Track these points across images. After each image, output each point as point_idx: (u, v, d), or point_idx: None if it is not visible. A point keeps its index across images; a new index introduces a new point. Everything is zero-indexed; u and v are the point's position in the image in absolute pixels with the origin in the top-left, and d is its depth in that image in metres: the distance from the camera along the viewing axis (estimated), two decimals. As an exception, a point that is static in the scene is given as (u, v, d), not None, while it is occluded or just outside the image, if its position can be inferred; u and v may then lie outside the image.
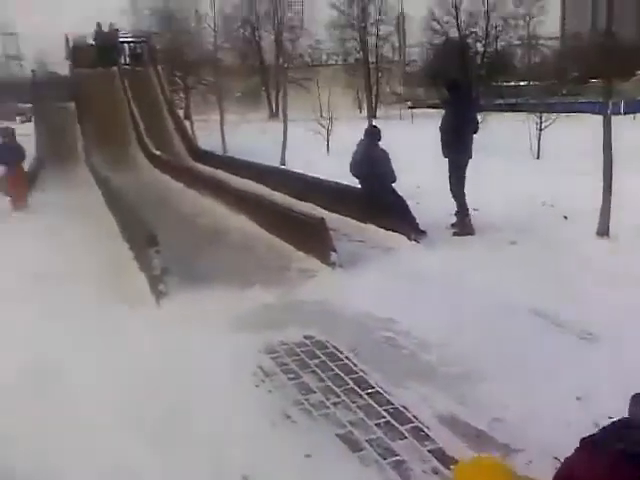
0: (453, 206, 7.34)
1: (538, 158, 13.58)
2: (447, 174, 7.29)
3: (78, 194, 11.22)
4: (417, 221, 6.95)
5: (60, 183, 13.03)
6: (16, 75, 58.72)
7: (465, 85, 8.09)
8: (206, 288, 5.26)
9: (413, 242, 6.65)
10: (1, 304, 5.01)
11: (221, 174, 12.68)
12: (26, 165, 12.73)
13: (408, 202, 7.16)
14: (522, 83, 24.78)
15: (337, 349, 4.09)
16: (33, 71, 23.94)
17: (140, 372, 3.74)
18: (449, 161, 7.29)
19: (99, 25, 22.49)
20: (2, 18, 65.60)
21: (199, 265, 6.20)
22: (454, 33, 43.23)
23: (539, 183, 9.28)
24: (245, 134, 22.84)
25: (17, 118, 45.50)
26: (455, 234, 7.08)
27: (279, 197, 9.22)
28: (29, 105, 24.69)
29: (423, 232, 6.96)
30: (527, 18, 41.18)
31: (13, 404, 3.42)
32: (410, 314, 4.50)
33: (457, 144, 7.12)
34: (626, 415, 1.86)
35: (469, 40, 43.73)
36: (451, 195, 7.28)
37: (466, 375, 3.53)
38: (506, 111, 24.18)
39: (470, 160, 7.28)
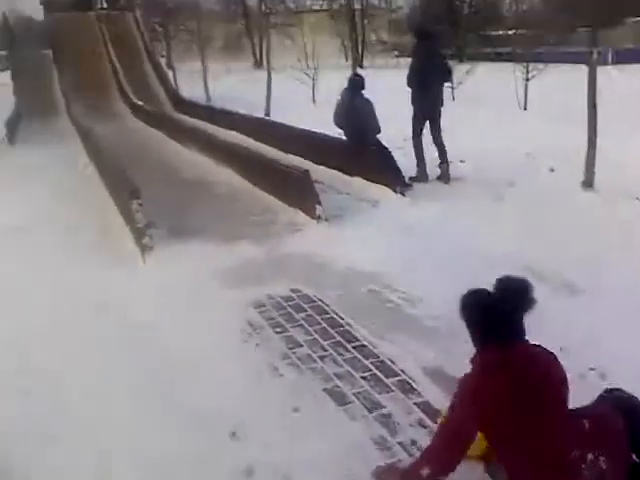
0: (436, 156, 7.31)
1: (525, 109, 13.47)
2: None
3: (59, 146, 10.96)
4: (402, 174, 6.91)
5: (40, 135, 12.71)
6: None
7: (433, 34, 7.96)
8: (192, 242, 5.24)
9: (399, 195, 6.61)
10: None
11: (205, 125, 12.45)
12: (2, 116, 12.53)
13: (394, 153, 7.10)
14: (510, 32, 24.35)
15: (323, 302, 4.12)
16: (4, 15, 22.86)
17: (124, 330, 3.75)
18: (415, 110, 7.27)
19: (74, -33, 21.55)
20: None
21: (184, 218, 6.15)
22: (441, -20, 42.08)
23: (525, 134, 9.24)
24: (229, 84, 22.33)
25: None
26: (411, 179, 7.09)
27: (264, 149, 9.09)
28: (4, 53, 23.81)
29: (409, 185, 6.94)
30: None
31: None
32: (395, 268, 4.53)
33: (426, 93, 7.07)
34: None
35: (457, -13, 42.64)
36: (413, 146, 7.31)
37: (451, 329, 3.58)
38: (494, 61, 23.86)
39: (442, 109, 7.25)
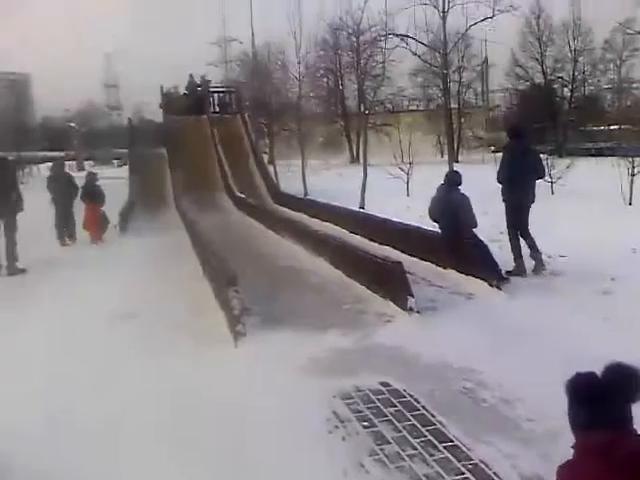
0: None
1: (630, 204, 12.88)
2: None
3: (166, 235, 11.72)
4: (499, 267, 6.74)
5: (149, 224, 13.67)
6: (115, 124, 63.20)
7: (524, 131, 8.01)
8: (283, 329, 5.30)
9: (495, 289, 6.42)
10: (92, 344, 5.25)
11: (301, 217, 12.91)
12: (118, 207, 13.64)
13: (490, 246, 6.97)
14: (613, 127, 23.88)
15: (414, 398, 3.95)
16: (130, 119, 25.66)
17: (213, 413, 3.76)
18: (505, 204, 7.29)
19: (191, 76, 23.87)
20: (104, 73, 71.18)
21: (277, 305, 6.26)
22: (539, 78, 42.51)
23: (630, 230, 8.77)
24: (326, 178, 23.21)
25: (114, 162, 48.71)
26: (508, 273, 6.93)
27: (358, 240, 9.23)
28: (125, 150, 26.31)
29: (506, 278, 6.73)
30: (618, 62, 39.93)
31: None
32: (491, 365, 4.31)
33: (515, 188, 7.10)
34: None
35: (555, 85, 42.83)
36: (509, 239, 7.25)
37: (549, 432, 3.30)
38: (595, 156, 23.29)
39: (537, 203, 7.22)
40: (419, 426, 3.56)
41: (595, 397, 1.96)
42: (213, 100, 23.87)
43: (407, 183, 17.65)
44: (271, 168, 21.96)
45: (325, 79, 46.67)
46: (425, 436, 3.44)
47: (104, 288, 7.25)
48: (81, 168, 46.08)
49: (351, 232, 10.38)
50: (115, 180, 18.13)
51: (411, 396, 3.99)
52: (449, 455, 3.21)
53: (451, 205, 7.06)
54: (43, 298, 6.90)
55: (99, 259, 9.55)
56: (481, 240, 6.99)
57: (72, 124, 53.70)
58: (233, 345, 5.12)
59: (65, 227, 11.47)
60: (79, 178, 12.95)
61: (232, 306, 5.39)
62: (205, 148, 20.41)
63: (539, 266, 7.12)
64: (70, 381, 4.37)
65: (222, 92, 24.99)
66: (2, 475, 3.21)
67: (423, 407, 3.81)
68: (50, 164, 14.16)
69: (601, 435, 1.89)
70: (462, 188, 7.25)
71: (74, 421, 3.77)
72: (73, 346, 5.18)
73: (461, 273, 7.02)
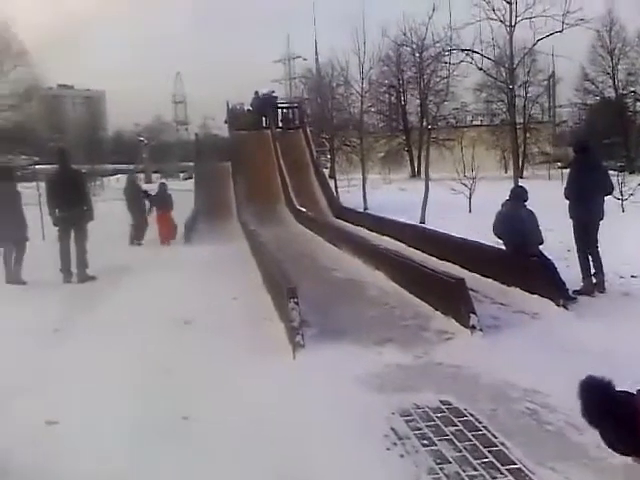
0: (606, 270, 6.79)
1: None
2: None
3: (228, 245, 11.95)
4: (566, 286, 6.50)
5: (212, 234, 14.01)
6: (182, 138, 65.39)
7: (591, 147, 7.72)
8: (341, 342, 5.28)
9: (561, 308, 6.18)
10: (153, 349, 5.39)
11: (361, 230, 12.89)
12: (183, 217, 14.22)
13: (556, 265, 6.73)
14: (690, 143, 22.77)
15: (475, 418, 3.84)
16: (196, 134, 26.52)
17: (267, 425, 3.77)
18: (573, 221, 7.08)
19: (256, 92, 24.39)
20: (174, 89, 73.92)
21: (335, 318, 6.25)
22: (610, 93, 41.06)
23: None
24: (386, 192, 23.12)
25: (180, 175, 50.30)
26: (575, 292, 6.70)
27: (418, 255, 9.11)
28: (191, 164, 27.12)
29: (573, 298, 6.49)
30: (696, 74, 38.12)
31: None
32: (557, 387, 4.12)
33: (582, 205, 6.88)
34: None
35: (627, 100, 41.23)
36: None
37: (624, 461, 3.12)
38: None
39: (606, 220, 6.98)
40: (480, 447, 3.45)
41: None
42: (277, 115, 24.29)
43: (469, 198, 17.35)
44: (332, 182, 22.09)
45: (387, 94, 46.73)
46: (486, 457, 3.32)
47: (166, 295, 7.47)
48: (149, 181, 47.89)
49: (411, 247, 10.27)
50: (181, 192, 18.64)
51: (472, 415, 3.87)
52: (512, 478, 3.09)
53: (517, 221, 6.89)
54: (107, 306, 7.14)
55: (163, 267, 9.83)
56: (547, 257, 6.77)
57: (142, 138, 55.89)
58: (291, 356, 5.13)
59: (137, 230, 13.12)
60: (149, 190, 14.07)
61: (291, 317, 5.41)
62: (267, 161, 20.77)
63: (600, 286, 6.89)
64: (135, 389, 4.49)
65: (286, 108, 25.44)
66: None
67: (485, 427, 3.69)
68: (119, 176, 16.02)
69: None
70: (528, 204, 7.06)
71: (144, 424, 3.87)
72: (140, 352, 5.33)
73: (526, 291, 6.81)
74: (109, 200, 23.95)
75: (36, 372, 4.89)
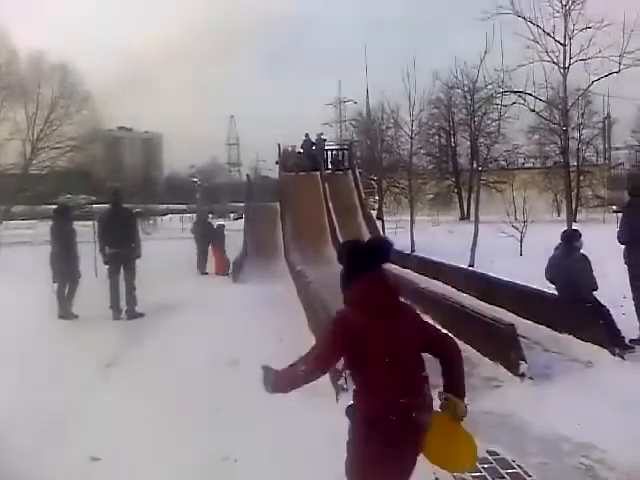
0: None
1: None
2: None
3: (274, 285, 12.02)
4: (622, 334, 6.22)
5: (260, 274, 14.14)
6: (233, 179, 67.09)
7: None
8: (385, 386, 5.16)
9: (617, 357, 5.92)
10: (191, 386, 5.42)
11: (407, 273, 12.75)
12: (233, 255, 14.66)
13: (612, 312, 6.46)
14: None
15: (524, 471, 3.67)
16: (247, 175, 27.16)
17: (310, 469, 3.70)
18: (628, 267, 6.73)
19: (307, 135, 24.86)
20: (227, 132, 76.28)
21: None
22: (670, 134, 39.99)
23: None
24: (434, 234, 22.89)
25: (231, 215, 51.37)
26: (632, 341, 6.33)
27: (466, 299, 8.93)
28: (241, 204, 27.69)
29: (630, 347, 6.19)
30: None
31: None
32: (613, 442, 3.92)
33: (638, 249, 6.55)
34: None
35: (690, 141, 40.05)
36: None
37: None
38: None
39: None
40: (530, 502, 3.29)
41: (357, 258, 2.61)
42: (327, 157, 24.63)
43: (520, 241, 17.00)
44: (379, 223, 22.06)
45: (437, 136, 46.87)
46: (536, 514, 3.16)
47: (212, 335, 7.53)
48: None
49: (459, 290, 10.08)
50: (231, 232, 19.01)
51: (521, 467, 3.71)
52: (564, 539, 2.92)
53: (570, 266, 6.69)
54: (152, 343, 7.24)
55: (207, 306, 9.92)
56: (602, 304, 6.52)
57: (195, 179, 57.56)
58: (334, 399, 5.06)
59: (202, 261, 15.11)
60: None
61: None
62: (316, 203, 20.97)
63: None
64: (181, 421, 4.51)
65: (335, 150, 25.80)
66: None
67: (535, 482, 3.52)
68: (170, 216, 17.80)
69: (361, 287, 2.51)
70: (581, 248, 6.86)
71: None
72: (186, 390, 5.37)
73: (579, 339, 6.56)
74: (160, 239, 24.69)
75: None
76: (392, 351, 2.39)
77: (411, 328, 2.50)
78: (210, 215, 47.33)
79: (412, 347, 2.46)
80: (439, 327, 7.71)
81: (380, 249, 2.62)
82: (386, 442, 2.39)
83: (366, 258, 2.56)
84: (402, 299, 2.58)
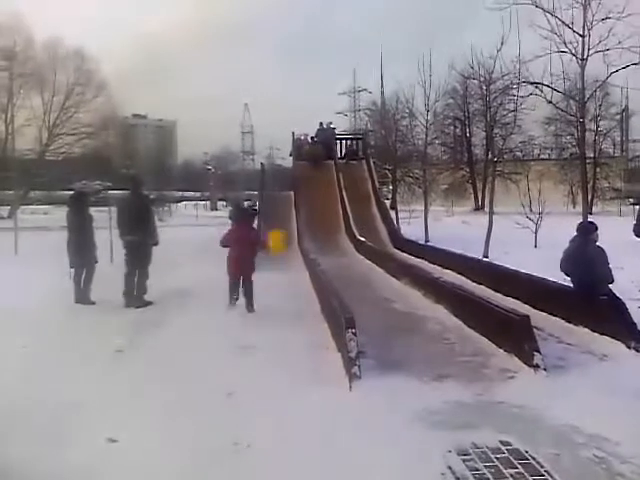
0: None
1: None
2: None
3: (287, 273, 12.03)
4: (638, 327, 6.18)
5: (272, 262, 14.10)
6: (247, 167, 67.07)
7: None
8: (398, 375, 5.20)
9: (632, 351, 5.89)
10: (207, 374, 5.47)
11: (422, 263, 12.73)
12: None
13: (627, 305, 6.42)
14: None
15: (537, 461, 3.67)
16: (262, 164, 27.12)
17: (324, 454, 3.74)
18: None
19: (321, 124, 24.76)
20: (242, 120, 76.26)
21: (392, 350, 6.17)
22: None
23: None
24: (449, 225, 22.79)
25: (245, 203, 51.45)
26: None
27: (480, 290, 8.90)
28: (255, 192, 27.74)
29: (646, 341, 6.14)
30: None
31: None
32: (627, 435, 3.91)
33: None
34: None
35: None
36: None
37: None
38: None
39: None
40: (542, 493, 3.29)
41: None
42: (340, 146, 24.55)
43: (535, 233, 16.89)
44: (393, 213, 22.00)
45: (452, 127, 46.48)
46: (549, 505, 3.17)
47: (226, 321, 7.57)
48: (214, 208, 49.21)
49: (473, 281, 10.05)
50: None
51: (534, 459, 3.71)
52: (576, 529, 2.93)
53: (586, 258, 6.63)
54: (164, 331, 7.31)
55: (222, 293, 9.94)
56: (618, 297, 6.47)
57: (209, 167, 57.65)
58: (347, 388, 5.08)
59: None
60: (210, 218, 14.47)
61: (349, 348, 5.37)
62: (330, 192, 20.93)
63: None
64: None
65: (349, 139, 25.69)
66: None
67: (547, 472, 3.53)
68: (185, 203, 17.40)
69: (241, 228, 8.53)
70: (597, 240, 6.80)
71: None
72: (198, 376, 5.42)
73: (594, 332, 6.52)
74: (175, 226, 24.80)
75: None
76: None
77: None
78: (224, 202, 47.54)
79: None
80: (452, 317, 7.75)
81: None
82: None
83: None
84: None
